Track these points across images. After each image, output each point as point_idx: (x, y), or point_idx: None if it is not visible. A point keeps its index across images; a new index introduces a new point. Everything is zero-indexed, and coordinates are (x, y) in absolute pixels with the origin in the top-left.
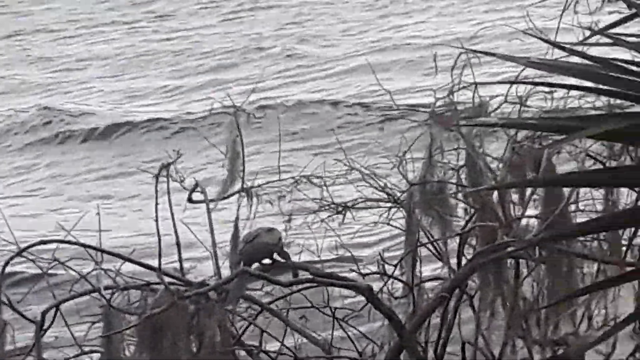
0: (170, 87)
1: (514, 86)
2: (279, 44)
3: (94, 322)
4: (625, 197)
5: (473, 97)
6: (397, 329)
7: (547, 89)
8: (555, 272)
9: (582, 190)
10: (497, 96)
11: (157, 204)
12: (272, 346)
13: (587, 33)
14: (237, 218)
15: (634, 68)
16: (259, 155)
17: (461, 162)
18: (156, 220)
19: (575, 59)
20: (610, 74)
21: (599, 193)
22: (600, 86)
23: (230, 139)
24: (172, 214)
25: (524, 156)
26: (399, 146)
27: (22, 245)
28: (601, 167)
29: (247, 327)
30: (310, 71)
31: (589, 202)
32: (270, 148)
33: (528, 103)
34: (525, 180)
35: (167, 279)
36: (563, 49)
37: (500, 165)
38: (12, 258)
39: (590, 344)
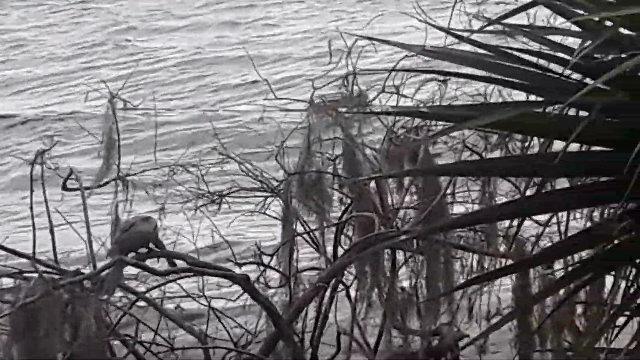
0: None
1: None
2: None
3: None
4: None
5: (352, 86)
6: (274, 319)
7: (440, 77)
8: (433, 263)
9: (460, 181)
10: (375, 85)
11: (32, 190)
12: (148, 336)
13: (477, 23)
14: (116, 206)
15: (526, 57)
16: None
17: (339, 153)
18: (31, 208)
19: (467, 48)
20: (502, 62)
21: (476, 184)
22: (493, 75)
23: (107, 126)
24: (46, 201)
25: (401, 146)
26: (276, 135)
27: None
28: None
29: (122, 317)
30: None
31: (465, 194)
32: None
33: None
34: (403, 171)
35: (41, 268)
36: (459, 37)
37: (378, 156)
38: None
39: (465, 335)
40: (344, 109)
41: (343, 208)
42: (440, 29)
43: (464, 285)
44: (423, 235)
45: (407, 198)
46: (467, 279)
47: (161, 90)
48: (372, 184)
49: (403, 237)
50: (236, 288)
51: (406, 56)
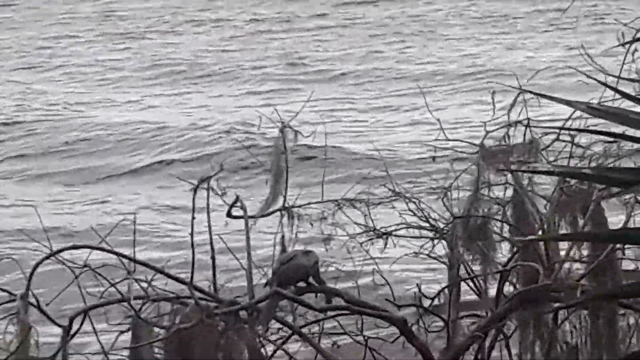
0: None
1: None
2: None
3: (121, 332)
4: None
5: (524, 134)
6: None
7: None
8: (597, 320)
9: None
10: (548, 134)
11: (193, 217)
12: None
13: None
14: (282, 237)
15: None
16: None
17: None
18: (191, 234)
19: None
20: None
21: None
22: None
23: (275, 155)
24: (210, 228)
25: (572, 197)
26: (444, 178)
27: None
28: None
29: (275, 351)
30: None
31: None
32: None
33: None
34: (577, 233)
35: (198, 295)
36: (631, 98)
37: (548, 205)
38: (43, 260)
39: None
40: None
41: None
42: (613, 89)
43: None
44: (590, 299)
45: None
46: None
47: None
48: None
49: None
50: (394, 329)
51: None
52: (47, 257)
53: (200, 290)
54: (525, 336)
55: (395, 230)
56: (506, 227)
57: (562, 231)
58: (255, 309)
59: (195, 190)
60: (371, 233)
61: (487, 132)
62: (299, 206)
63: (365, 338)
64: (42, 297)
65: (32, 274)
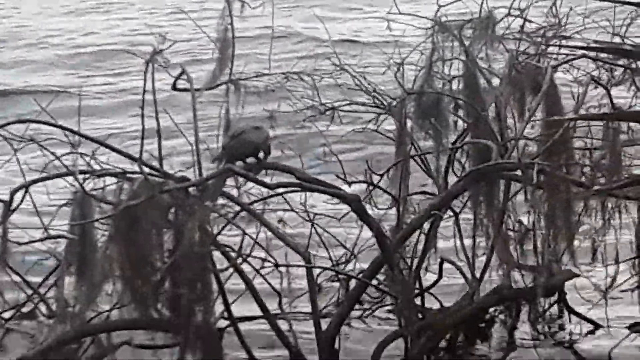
0: None
1: None
2: None
3: (61, 205)
4: None
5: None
6: (381, 242)
7: None
8: (553, 198)
9: None
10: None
11: (144, 90)
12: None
13: None
14: (227, 110)
15: None
16: None
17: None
18: (142, 107)
19: None
20: None
21: None
22: None
23: (221, 25)
24: (155, 100)
25: (524, 73)
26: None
27: None
28: None
29: (225, 226)
30: None
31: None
32: None
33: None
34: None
35: (146, 170)
36: None
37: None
38: None
39: (576, 275)
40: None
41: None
42: None
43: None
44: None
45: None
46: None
47: None
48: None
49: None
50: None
51: None
52: None
53: (149, 166)
54: (476, 214)
55: (341, 105)
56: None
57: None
58: (205, 186)
59: (147, 64)
60: (317, 109)
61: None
62: (246, 78)
63: (312, 215)
64: None
65: None
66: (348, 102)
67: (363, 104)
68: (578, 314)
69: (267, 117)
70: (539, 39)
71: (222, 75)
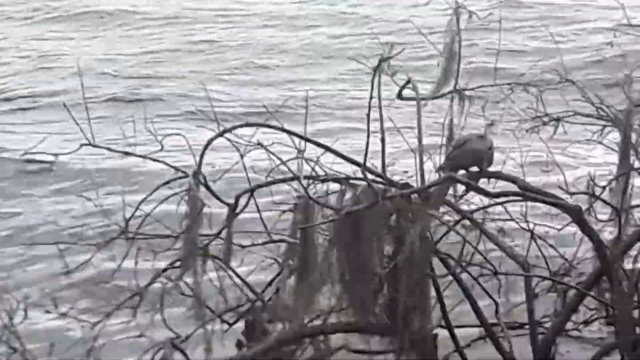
0: None
1: None
2: None
3: (284, 211)
4: None
5: None
6: (601, 254)
7: None
8: None
9: None
10: None
11: (371, 97)
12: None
13: None
14: (451, 120)
15: None
16: None
17: None
18: (368, 115)
19: None
20: None
21: None
22: None
23: (449, 37)
24: (380, 109)
25: None
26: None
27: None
28: None
29: (445, 233)
30: None
31: None
32: None
33: None
34: None
35: (369, 177)
36: None
37: None
38: (214, 138)
39: None
40: None
41: None
42: None
43: None
44: None
45: None
46: None
47: None
48: None
49: None
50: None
51: None
52: (218, 136)
53: (372, 172)
54: None
55: (565, 116)
56: None
57: None
58: (428, 194)
59: (375, 71)
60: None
61: None
62: (472, 88)
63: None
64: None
65: (203, 153)
66: (572, 113)
67: (588, 116)
68: None
69: (488, 125)
70: None
71: (447, 86)
